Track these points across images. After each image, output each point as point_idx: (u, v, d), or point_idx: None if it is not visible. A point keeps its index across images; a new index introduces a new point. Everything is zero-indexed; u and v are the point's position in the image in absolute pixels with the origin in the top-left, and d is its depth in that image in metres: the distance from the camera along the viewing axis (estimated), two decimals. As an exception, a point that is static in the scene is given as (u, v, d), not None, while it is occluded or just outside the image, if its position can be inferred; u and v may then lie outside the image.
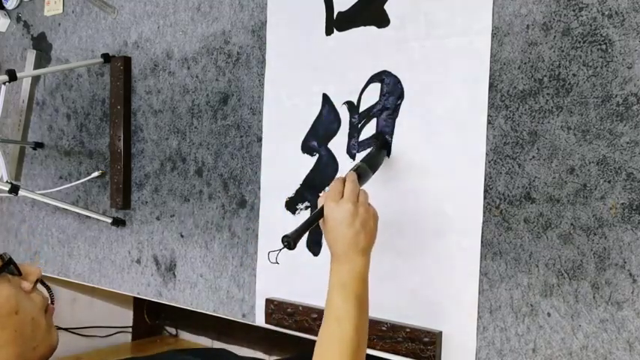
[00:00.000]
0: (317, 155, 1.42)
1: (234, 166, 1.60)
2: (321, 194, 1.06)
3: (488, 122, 1.17)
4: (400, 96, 1.28)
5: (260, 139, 1.53)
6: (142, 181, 1.84)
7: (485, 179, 1.18)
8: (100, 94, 1.97)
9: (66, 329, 2.36)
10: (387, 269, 1.29)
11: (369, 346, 1.27)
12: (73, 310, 2.45)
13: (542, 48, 1.12)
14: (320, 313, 1.37)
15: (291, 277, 1.44)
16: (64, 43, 2.08)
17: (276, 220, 1.49)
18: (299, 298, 1.44)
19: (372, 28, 1.33)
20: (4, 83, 1.66)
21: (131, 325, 2.71)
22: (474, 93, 1.19)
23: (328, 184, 1.38)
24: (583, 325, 1.08)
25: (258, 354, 2.32)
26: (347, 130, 1.37)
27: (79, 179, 1.98)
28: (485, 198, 1.18)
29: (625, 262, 1.03)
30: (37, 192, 1.92)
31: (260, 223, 1.54)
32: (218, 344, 2.55)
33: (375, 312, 1.28)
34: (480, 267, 1.18)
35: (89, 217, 1.95)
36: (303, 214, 1.43)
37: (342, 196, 1.01)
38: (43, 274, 0.84)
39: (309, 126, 1.43)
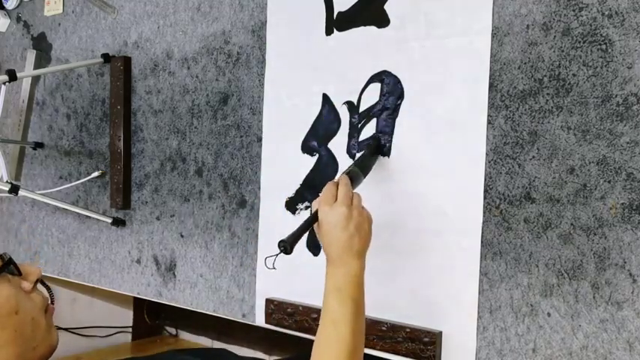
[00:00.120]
0: (317, 155, 1.42)
1: (234, 166, 1.60)
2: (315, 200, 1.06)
3: (488, 122, 1.17)
4: (400, 96, 1.28)
5: (260, 139, 1.53)
6: (142, 181, 1.84)
7: (485, 179, 1.18)
8: (100, 94, 1.97)
9: (66, 329, 2.36)
10: (387, 269, 1.29)
11: (369, 346, 1.28)
12: (73, 310, 2.45)
13: (542, 48, 1.12)
14: (320, 313, 1.37)
15: (291, 277, 1.44)
16: (64, 43, 2.08)
17: (276, 220, 1.49)
18: (299, 298, 1.44)
19: (372, 28, 1.33)
20: (4, 83, 1.66)
21: (131, 325, 2.71)
22: (474, 93, 1.19)
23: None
24: (583, 325, 1.08)
25: (258, 354, 2.32)
26: (347, 130, 1.37)
27: (79, 179, 1.98)
28: (485, 198, 1.18)
29: (625, 262, 1.03)
30: (37, 192, 1.92)
31: (260, 223, 1.54)
32: (218, 344, 2.55)
33: (375, 312, 1.28)
34: (480, 267, 1.18)
35: (89, 217, 1.95)
36: (303, 214, 1.44)
37: (336, 199, 1.02)
38: (43, 274, 0.84)
39: (309, 126, 1.43)
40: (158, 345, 2.67)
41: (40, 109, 2.17)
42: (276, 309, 1.47)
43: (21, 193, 1.74)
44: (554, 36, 1.10)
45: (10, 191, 1.71)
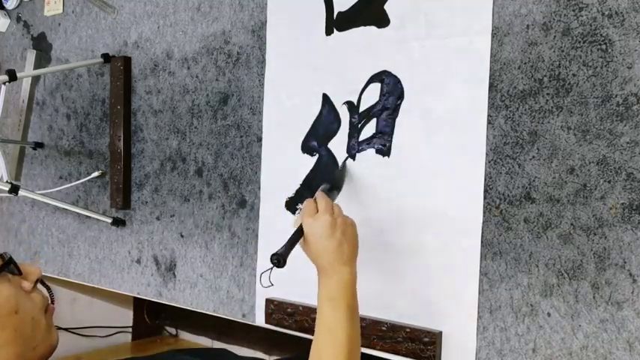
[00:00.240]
0: (317, 155, 1.42)
1: (234, 166, 1.60)
2: (295, 215, 1.09)
3: (488, 122, 1.17)
4: (400, 96, 1.28)
5: (260, 139, 1.53)
6: (142, 181, 1.84)
7: (485, 179, 1.18)
8: (100, 94, 1.97)
9: (66, 329, 2.36)
10: (387, 269, 1.29)
11: (369, 346, 1.28)
12: (73, 310, 2.45)
13: (542, 48, 1.12)
14: (320, 313, 1.37)
15: (291, 277, 1.44)
16: (64, 43, 2.08)
17: (276, 220, 1.49)
18: (299, 298, 1.44)
19: (372, 28, 1.33)
20: (4, 83, 1.66)
21: (131, 325, 2.71)
22: (474, 93, 1.19)
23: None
24: (583, 325, 1.08)
25: (258, 354, 2.32)
26: (347, 130, 1.37)
27: (79, 179, 1.98)
28: (485, 198, 1.18)
29: (625, 262, 1.03)
30: (37, 192, 1.92)
31: (260, 223, 1.54)
32: (218, 344, 2.55)
33: (375, 312, 1.28)
34: (480, 267, 1.18)
35: (89, 217, 1.95)
36: (303, 214, 1.43)
37: (317, 211, 1.03)
38: (43, 274, 0.84)
39: (309, 126, 1.43)
40: (158, 345, 2.67)
41: (40, 109, 2.17)
42: (276, 309, 1.47)
43: (21, 193, 1.74)
44: (554, 36, 1.10)
45: (10, 191, 1.71)
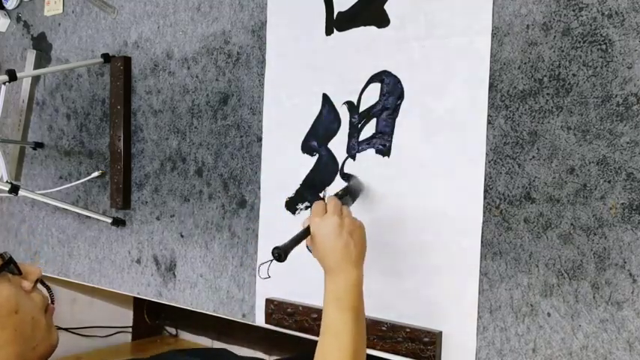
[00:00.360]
0: (317, 155, 1.42)
1: (234, 166, 1.60)
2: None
3: (488, 122, 1.17)
4: (400, 96, 1.28)
5: (260, 139, 1.53)
6: (142, 181, 1.84)
7: (485, 179, 1.18)
8: (100, 94, 1.97)
9: (66, 329, 2.36)
10: (387, 269, 1.29)
11: (369, 346, 1.28)
12: (73, 310, 2.45)
13: (542, 48, 1.12)
14: (320, 313, 1.36)
15: (291, 277, 1.44)
16: (64, 43, 2.08)
17: (276, 220, 1.49)
18: (299, 298, 1.44)
19: (372, 28, 1.33)
20: (4, 83, 1.66)
21: (131, 325, 2.71)
22: (474, 93, 1.19)
23: (328, 184, 1.39)
24: (583, 325, 1.08)
25: (258, 354, 2.32)
26: (347, 130, 1.37)
27: (79, 179, 1.98)
28: (485, 198, 1.18)
29: (625, 262, 1.03)
30: (37, 192, 1.92)
31: (260, 223, 1.54)
32: (218, 344, 2.55)
33: (375, 312, 1.28)
34: (480, 267, 1.18)
35: (89, 217, 1.95)
36: (303, 214, 1.43)
37: (326, 212, 1.03)
38: (43, 274, 0.84)
39: (309, 126, 1.43)
40: (158, 345, 2.67)
41: (40, 109, 2.17)
42: (276, 309, 1.47)
43: (21, 193, 1.74)
44: (554, 36, 1.10)
45: (10, 191, 1.71)
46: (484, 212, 1.18)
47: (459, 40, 1.20)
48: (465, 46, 1.20)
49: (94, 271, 2.00)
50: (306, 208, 1.43)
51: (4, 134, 2.24)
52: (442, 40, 1.23)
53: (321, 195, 1.36)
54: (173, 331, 2.77)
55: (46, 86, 2.14)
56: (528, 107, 1.13)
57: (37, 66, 2.16)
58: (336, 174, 1.38)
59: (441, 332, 1.23)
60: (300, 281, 1.43)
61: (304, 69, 1.43)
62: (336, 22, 1.38)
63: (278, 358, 2.17)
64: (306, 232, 1.04)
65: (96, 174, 1.93)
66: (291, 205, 1.46)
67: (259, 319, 1.54)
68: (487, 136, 1.18)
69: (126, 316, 2.70)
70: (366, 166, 1.33)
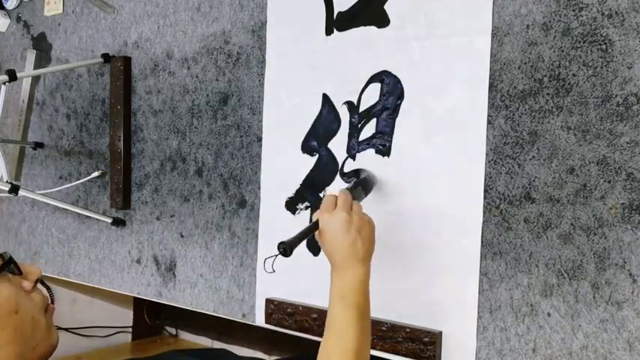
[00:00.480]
0: (317, 155, 1.42)
1: (234, 166, 1.60)
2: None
3: (488, 122, 1.17)
4: (400, 96, 1.28)
5: (260, 139, 1.53)
6: (142, 181, 1.84)
7: (485, 179, 1.18)
8: (100, 94, 1.97)
9: (66, 329, 2.36)
10: (387, 269, 1.29)
11: (369, 346, 1.28)
12: (73, 310, 2.45)
13: (542, 48, 1.12)
14: (320, 313, 1.37)
15: (291, 277, 1.44)
16: (64, 43, 2.08)
17: (276, 220, 1.49)
18: (299, 298, 1.44)
19: (372, 28, 1.33)
20: (4, 83, 1.66)
21: (131, 325, 2.71)
22: (474, 93, 1.19)
23: (328, 184, 1.39)
24: (583, 325, 1.08)
25: (258, 354, 2.32)
26: (347, 130, 1.37)
27: (79, 179, 1.98)
28: (485, 198, 1.18)
29: (625, 262, 1.03)
30: (37, 192, 1.92)
31: (260, 223, 1.54)
32: (218, 344, 2.55)
33: (375, 312, 1.27)
34: (480, 267, 1.18)
35: (89, 217, 1.95)
36: (303, 214, 1.44)
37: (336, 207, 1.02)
38: (43, 274, 0.84)
39: (309, 126, 1.43)
40: (158, 345, 2.67)
41: (40, 109, 2.17)
42: (276, 309, 1.47)
43: (21, 193, 1.74)
44: (554, 36, 1.10)
45: (10, 191, 1.71)
46: (484, 212, 1.18)
47: (459, 40, 1.20)
48: (465, 46, 1.20)
49: (94, 271, 2.00)
50: (306, 208, 1.43)
51: (4, 134, 2.24)
52: (442, 40, 1.23)
53: (321, 195, 1.36)
54: (173, 331, 2.77)
55: (46, 86, 2.14)
56: (528, 107, 1.13)
57: (37, 66, 2.16)
58: (336, 174, 1.38)
59: (441, 332, 1.23)
60: (300, 281, 1.43)
61: (304, 69, 1.43)
62: (336, 22, 1.38)
63: (278, 358, 2.17)
64: (314, 227, 1.03)
65: (96, 174, 1.93)
66: (291, 205, 1.46)
67: (259, 319, 1.54)
68: (487, 136, 1.18)
69: (126, 316, 2.70)
70: (366, 166, 1.33)
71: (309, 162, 1.43)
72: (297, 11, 1.45)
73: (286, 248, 0.99)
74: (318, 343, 0.95)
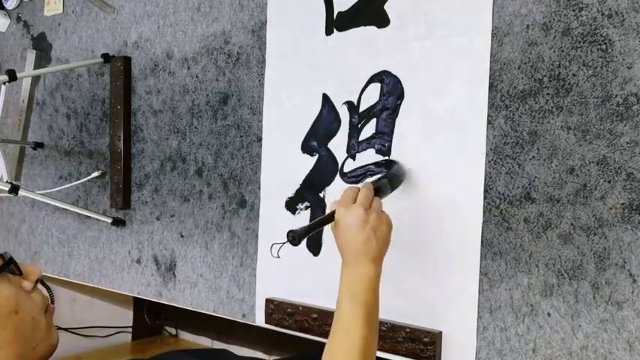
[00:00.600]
0: (317, 155, 1.42)
1: (234, 166, 1.60)
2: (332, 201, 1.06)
3: (488, 122, 1.17)
4: (400, 96, 1.28)
5: (260, 139, 1.53)
6: (142, 181, 1.84)
7: (485, 179, 1.18)
8: (100, 94, 1.97)
9: (66, 329, 2.36)
10: (387, 269, 1.28)
11: (369, 346, 1.28)
12: (73, 310, 2.45)
13: (542, 48, 1.12)
14: (320, 313, 1.37)
15: (291, 277, 1.44)
16: (64, 43, 2.08)
17: (276, 220, 1.49)
18: (299, 298, 1.44)
19: (372, 28, 1.33)
20: (4, 83, 1.66)
21: (131, 325, 2.71)
22: (474, 93, 1.19)
23: (328, 184, 1.39)
24: (583, 325, 1.08)
25: (258, 354, 2.32)
26: (347, 130, 1.37)
27: (79, 179, 1.98)
28: (485, 198, 1.18)
29: (625, 262, 1.03)
30: (37, 192, 1.92)
31: (260, 223, 1.54)
32: (218, 344, 2.55)
33: (375, 312, 1.28)
34: (480, 267, 1.18)
35: (89, 217, 1.95)
36: (303, 214, 1.44)
37: (355, 202, 1.01)
38: (43, 274, 0.84)
39: (309, 126, 1.43)
40: (158, 345, 2.67)
41: (40, 109, 2.17)
42: (276, 309, 1.47)
43: (21, 193, 1.74)
44: (554, 36, 1.10)
45: (10, 191, 1.71)
46: (484, 212, 1.18)
47: (459, 40, 1.20)
48: (465, 46, 1.20)
49: (94, 271, 2.00)
50: (306, 208, 1.43)
51: (4, 134, 2.24)
52: (442, 40, 1.23)
53: (321, 195, 1.36)
54: (173, 331, 2.77)
55: (46, 86, 2.14)
56: (528, 107, 1.13)
57: (37, 66, 2.16)
58: (336, 174, 1.38)
59: (441, 332, 1.23)
60: (300, 281, 1.43)
61: (304, 69, 1.43)
62: (336, 22, 1.38)
63: (278, 358, 2.18)
64: (329, 218, 1.02)
65: (96, 174, 1.93)
66: (291, 205, 1.46)
67: (259, 319, 1.54)
68: (487, 136, 1.18)
69: (126, 316, 2.70)
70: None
71: (309, 162, 1.43)
72: (297, 11, 1.45)
73: (295, 237, 0.97)
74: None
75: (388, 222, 1.03)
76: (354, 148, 1.36)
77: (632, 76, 1.02)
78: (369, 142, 1.33)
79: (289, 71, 1.47)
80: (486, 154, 1.18)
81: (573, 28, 1.08)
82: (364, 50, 1.33)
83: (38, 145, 2.15)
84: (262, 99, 1.53)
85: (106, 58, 1.89)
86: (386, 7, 1.30)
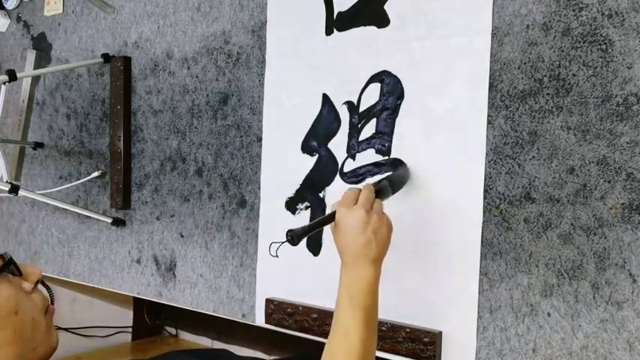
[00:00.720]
0: (317, 155, 1.42)
1: (234, 166, 1.60)
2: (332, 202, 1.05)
3: (488, 122, 1.17)
4: (400, 96, 1.28)
5: (260, 139, 1.53)
6: (142, 181, 1.84)
7: (485, 179, 1.18)
8: (100, 94, 1.97)
9: (66, 329, 2.36)
10: (387, 269, 1.29)
11: (369, 346, 1.28)
12: (73, 310, 2.45)
13: (542, 48, 1.12)
14: (320, 313, 1.37)
15: (291, 277, 1.44)
16: (64, 43, 2.08)
17: (276, 220, 1.49)
18: (299, 298, 1.44)
19: (372, 28, 1.33)
20: (4, 83, 1.66)
21: (131, 325, 2.71)
22: (474, 93, 1.19)
23: (328, 184, 1.39)
24: (583, 325, 1.08)
25: (258, 354, 2.32)
26: (347, 130, 1.37)
27: (79, 179, 1.98)
28: (485, 198, 1.18)
29: (625, 262, 1.03)
30: (37, 192, 1.92)
31: (260, 223, 1.54)
32: (218, 344, 2.55)
33: (375, 312, 1.28)
34: (480, 267, 1.18)
35: (89, 217, 1.95)
36: (303, 214, 1.44)
37: (356, 203, 1.01)
38: (43, 274, 0.84)
39: (309, 126, 1.43)
40: (158, 345, 2.67)
41: (40, 109, 2.17)
42: (276, 309, 1.47)
43: (21, 193, 1.74)
44: (554, 36, 1.10)
45: (10, 191, 1.71)
46: (484, 212, 1.18)
47: (459, 40, 1.20)
48: (464, 46, 1.20)
49: (94, 271, 2.00)
50: (306, 208, 1.43)
51: (4, 134, 2.24)
52: (442, 40, 1.23)
53: (321, 195, 1.36)
54: (173, 331, 2.77)
55: (46, 86, 2.14)
56: (528, 107, 1.13)
57: (37, 66, 2.16)
58: (336, 174, 1.38)
59: (441, 332, 1.23)
60: (300, 281, 1.43)
61: (304, 69, 1.43)
62: (336, 22, 1.38)
63: (278, 358, 2.18)
64: (329, 218, 1.01)
65: (96, 174, 1.93)
66: (291, 205, 1.46)
67: (259, 319, 1.54)
68: (487, 136, 1.17)
69: (126, 316, 2.70)
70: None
71: (309, 162, 1.43)
72: (297, 11, 1.45)
73: (294, 236, 0.96)
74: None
75: (389, 224, 1.03)
76: (354, 148, 1.36)
77: (632, 76, 1.02)
78: (369, 142, 1.33)
79: (289, 71, 1.47)
80: (486, 154, 1.18)
81: (573, 28, 1.08)
82: (364, 50, 1.33)
83: (38, 145, 2.15)
84: (262, 99, 1.53)
85: (106, 58, 1.89)
86: (386, 7, 1.30)
